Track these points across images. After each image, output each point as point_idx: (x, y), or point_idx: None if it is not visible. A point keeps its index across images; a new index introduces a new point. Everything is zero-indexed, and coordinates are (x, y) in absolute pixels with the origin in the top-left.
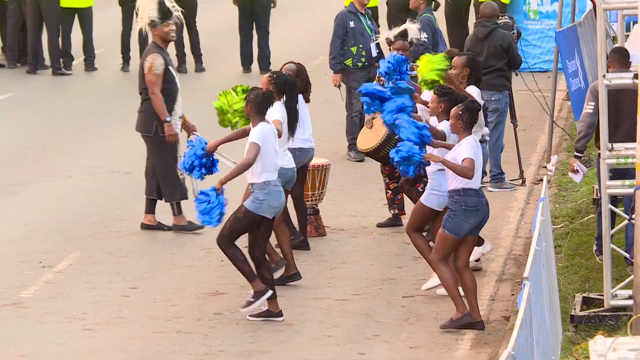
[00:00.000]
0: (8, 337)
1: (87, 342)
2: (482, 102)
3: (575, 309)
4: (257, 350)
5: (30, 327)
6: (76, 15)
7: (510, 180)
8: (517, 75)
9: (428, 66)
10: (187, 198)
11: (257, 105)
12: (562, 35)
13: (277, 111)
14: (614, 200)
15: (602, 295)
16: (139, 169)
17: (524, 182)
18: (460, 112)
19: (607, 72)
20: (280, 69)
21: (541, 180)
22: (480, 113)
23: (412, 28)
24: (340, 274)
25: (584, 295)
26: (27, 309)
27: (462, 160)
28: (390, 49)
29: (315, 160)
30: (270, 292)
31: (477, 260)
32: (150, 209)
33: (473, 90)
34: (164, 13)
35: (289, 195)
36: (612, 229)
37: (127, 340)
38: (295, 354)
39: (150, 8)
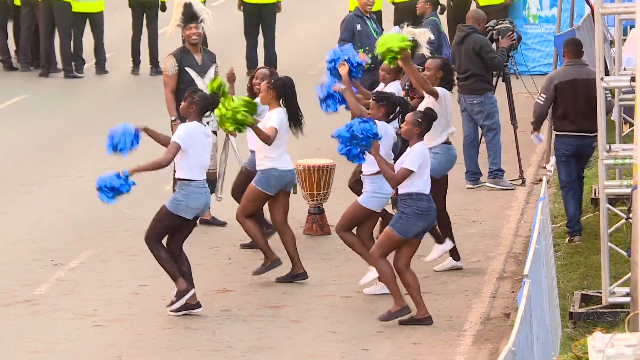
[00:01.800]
0: (20, 333)
1: (98, 338)
2: (448, 104)
3: (574, 306)
4: (264, 346)
5: (42, 323)
6: (87, 20)
7: (510, 180)
8: (517, 78)
9: (385, 44)
10: None
11: (201, 108)
12: (560, 39)
13: (275, 117)
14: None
15: (601, 293)
16: None
17: (523, 182)
18: (420, 120)
19: (564, 61)
20: (253, 75)
21: (540, 180)
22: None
23: (423, 32)
24: (345, 272)
25: (583, 292)
26: (39, 306)
27: (400, 168)
28: None
29: (321, 161)
30: (192, 291)
31: (457, 260)
32: None
33: (439, 90)
34: (188, 16)
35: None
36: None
37: (137, 336)
38: (301, 350)
39: (178, 11)
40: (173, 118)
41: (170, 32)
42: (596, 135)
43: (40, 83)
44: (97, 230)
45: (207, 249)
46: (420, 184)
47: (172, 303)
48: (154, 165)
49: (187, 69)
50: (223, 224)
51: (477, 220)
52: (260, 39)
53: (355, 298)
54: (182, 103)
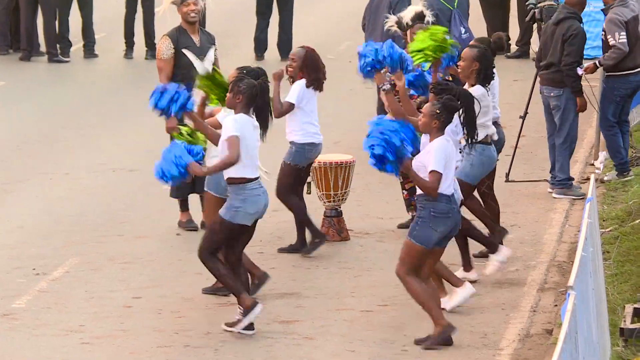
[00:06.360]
0: None
1: (86, 356)
2: (482, 103)
3: (625, 321)
4: None
5: (22, 340)
6: None
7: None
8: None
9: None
10: (181, 198)
11: (249, 98)
12: None
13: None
14: None
15: None
16: (144, 167)
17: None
18: (438, 112)
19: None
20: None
21: (588, 179)
22: (489, 110)
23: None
24: (366, 283)
25: (635, 306)
26: (20, 320)
27: (429, 173)
28: (404, 34)
29: (339, 157)
30: (260, 307)
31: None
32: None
33: (477, 90)
34: None
35: None
36: None
37: (129, 355)
38: None
39: None
40: None
41: (164, 9)
42: None
43: (21, 68)
44: (87, 235)
45: None
46: (442, 184)
47: (238, 321)
48: (223, 164)
49: (184, 50)
50: None
51: (516, 224)
52: (273, 19)
53: (377, 312)
54: (228, 94)
